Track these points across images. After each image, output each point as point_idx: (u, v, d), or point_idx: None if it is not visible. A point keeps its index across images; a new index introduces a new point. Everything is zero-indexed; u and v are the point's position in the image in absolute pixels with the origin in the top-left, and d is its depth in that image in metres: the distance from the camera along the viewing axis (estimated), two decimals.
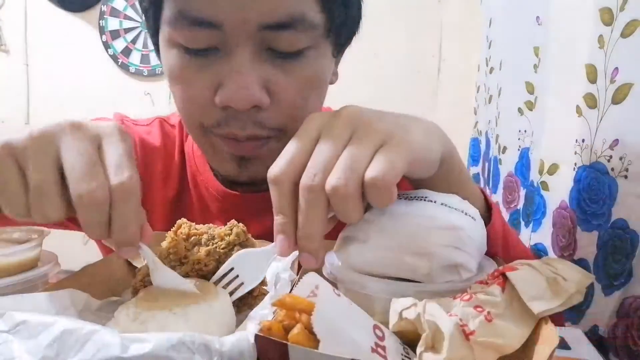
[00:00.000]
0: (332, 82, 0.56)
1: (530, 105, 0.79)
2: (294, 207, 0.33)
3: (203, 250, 0.37)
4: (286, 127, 0.49)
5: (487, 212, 0.46)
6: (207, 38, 0.44)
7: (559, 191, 0.63)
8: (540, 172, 0.67)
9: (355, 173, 0.31)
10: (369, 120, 0.34)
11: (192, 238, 0.38)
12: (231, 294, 0.37)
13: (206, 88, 0.46)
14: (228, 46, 0.44)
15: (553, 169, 0.65)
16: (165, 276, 0.35)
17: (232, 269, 0.37)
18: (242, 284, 0.37)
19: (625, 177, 0.50)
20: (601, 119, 0.53)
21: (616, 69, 0.51)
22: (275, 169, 0.33)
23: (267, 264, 0.37)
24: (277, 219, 0.33)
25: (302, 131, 0.35)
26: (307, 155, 0.33)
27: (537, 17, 0.76)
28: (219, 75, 0.45)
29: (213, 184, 0.60)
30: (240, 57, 0.44)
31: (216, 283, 0.37)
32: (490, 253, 0.40)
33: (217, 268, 0.37)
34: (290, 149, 0.34)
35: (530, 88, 0.79)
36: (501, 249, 0.45)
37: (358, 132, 0.33)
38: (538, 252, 0.69)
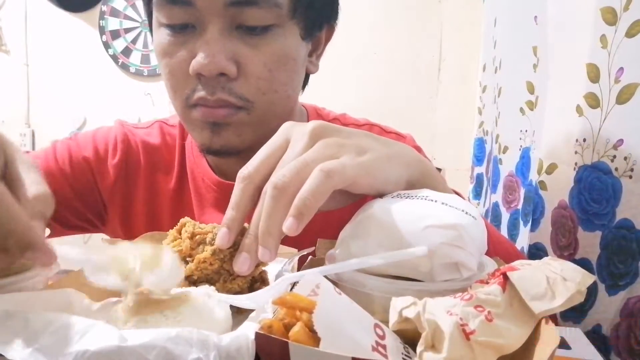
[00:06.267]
0: (311, 72, 0.61)
1: (531, 105, 0.79)
2: (248, 207, 0.36)
3: (208, 249, 0.36)
4: (255, 98, 0.54)
5: None
6: (182, 15, 0.51)
7: (557, 191, 0.63)
8: (539, 172, 0.67)
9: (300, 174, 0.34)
10: (331, 135, 0.38)
11: (197, 237, 0.38)
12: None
13: (184, 60, 0.53)
14: (202, 23, 0.51)
15: (551, 168, 0.65)
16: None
17: None
18: None
19: (630, 177, 0.50)
20: (604, 119, 0.53)
21: (621, 69, 0.51)
22: (248, 169, 0.37)
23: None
24: (228, 213, 0.36)
25: (273, 138, 0.39)
26: (277, 159, 0.37)
27: (535, 17, 0.76)
28: (194, 48, 0.52)
29: (209, 175, 0.65)
30: (210, 33, 0.51)
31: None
32: None
33: (222, 268, 0.36)
34: (262, 153, 0.38)
35: (530, 88, 0.79)
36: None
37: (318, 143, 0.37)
38: (537, 251, 0.69)
